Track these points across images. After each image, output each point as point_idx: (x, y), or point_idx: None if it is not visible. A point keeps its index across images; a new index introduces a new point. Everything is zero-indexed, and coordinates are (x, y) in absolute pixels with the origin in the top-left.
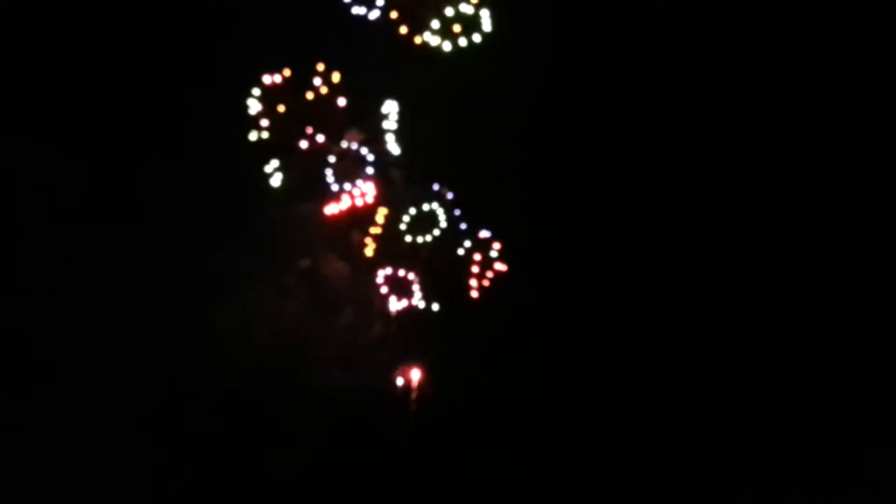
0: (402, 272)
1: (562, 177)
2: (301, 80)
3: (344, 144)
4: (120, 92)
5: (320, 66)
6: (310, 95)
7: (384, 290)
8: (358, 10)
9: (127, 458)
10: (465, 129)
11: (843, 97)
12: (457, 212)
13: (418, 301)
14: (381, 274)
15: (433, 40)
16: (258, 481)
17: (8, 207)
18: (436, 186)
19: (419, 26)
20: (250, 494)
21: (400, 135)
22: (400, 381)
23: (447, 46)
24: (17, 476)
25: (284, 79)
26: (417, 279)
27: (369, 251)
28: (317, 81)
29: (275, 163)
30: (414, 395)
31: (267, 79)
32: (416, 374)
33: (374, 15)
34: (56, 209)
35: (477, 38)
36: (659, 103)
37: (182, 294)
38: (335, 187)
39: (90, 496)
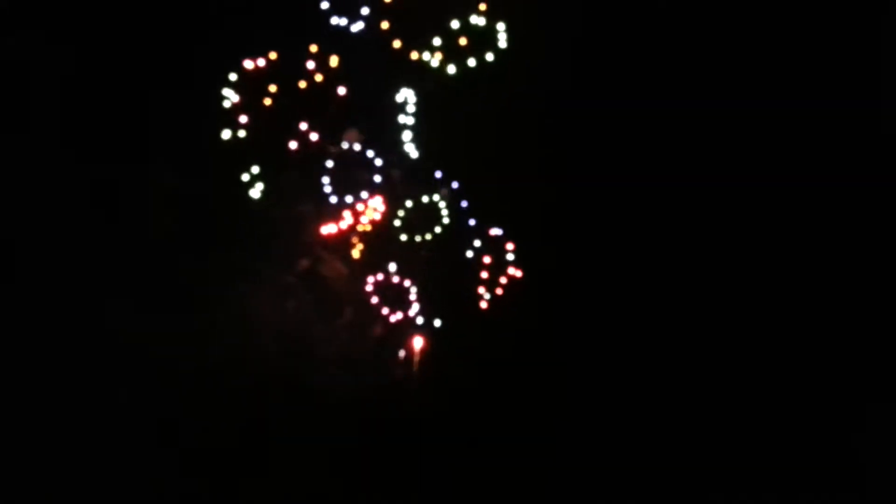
0: (396, 278)
1: (585, 166)
2: (290, 64)
3: (345, 145)
4: (113, 85)
5: (314, 48)
6: (302, 84)
7: (374, 300)
8: (338, 21)
9: (127, 458)
10: (474, 114)
11: (845, 98)
12: (463, 203)
13: (416, 314)
14: (371, 280)
15: (434, 60)
16: (259, 481)
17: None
18: (438, 174)
19: (417, 42)
20: (251, 495)
21: (416, 132)
22: (402, 353)
23: (452, 69)
24: (15, 476)
25: (269, 63)
26: (415, 287)
27: (356, 252)
28: (310, 66)
29: (255, 169)
30: (416, 365)
31: (248, 64)
32: (418, 343)
33: (358, 27)
34: (53, 208)
35: (490, 56)
36: (681, 103)
37: (180, 293)
38: (333, 200)
39: (89, 496)
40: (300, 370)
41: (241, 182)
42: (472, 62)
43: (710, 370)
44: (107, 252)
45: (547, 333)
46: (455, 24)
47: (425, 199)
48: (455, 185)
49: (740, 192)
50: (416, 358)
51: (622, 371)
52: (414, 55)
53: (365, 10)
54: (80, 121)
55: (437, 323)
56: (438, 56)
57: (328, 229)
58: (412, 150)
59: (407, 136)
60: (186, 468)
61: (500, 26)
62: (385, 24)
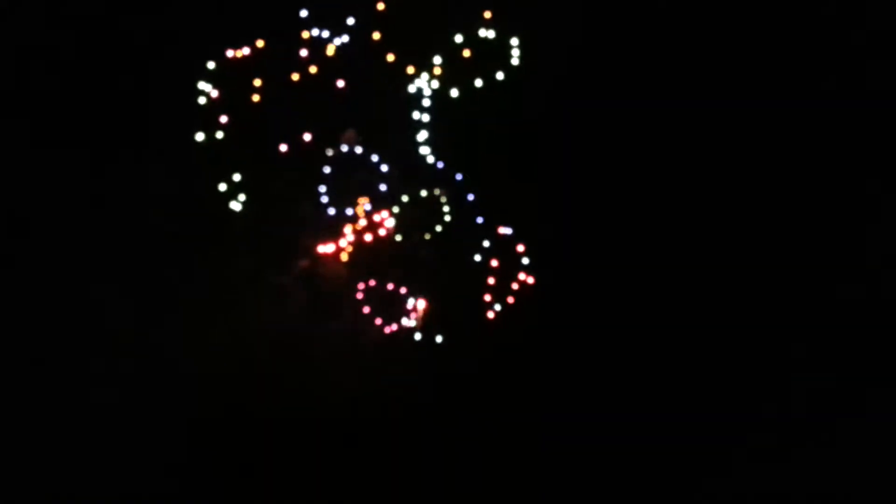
0: (390, 284)
1: (604, 160)
2: (280, 53)
3: (344, 148)
4: (111, 83)
5: (306, 34)
6: (294, 76)
7: (366, 309)
8: (316, 32)
9: (123, 462)
10: (482, 107)
11: (846, 97)
12: (469, 197)
13: (412, 326)
14: (362, 287)
15: (434, 82)
16: (257, 484)
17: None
18: (439, 164)
19: (415, 59)
20: (249, 498)
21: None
22: (405, 321)
23: (455, 92)
24: (13, 476)
25: (255, 52)
26: (411, 294)
27: (345, 255)
28: (303, 54)
29: (236, 177)
30: (419, 327)
31: (231, 53)
32: (421, 305)
33: (340, 40)
34: (51, 209)
35: (500, 75)
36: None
37: (177, 295)
38: (331, 212)
39: (87, 497)
40: (298, 372)
41: (221, 192)
42: (478, 82)
43: (737, 384)
44: (105, 253)
45: (562, 348)
46: (459, 38)
47: (424, 192)
48: (459, 176)
49: (767, 199)
50: (420, 318)
51: (643, 387)
52: (410, 70)
53: (351, 21)
54: (76, 119)
55: (439, 339)
56: (438, 72)
57: (326, 248)
58: (422, 150)
59: (416, 133)
60: (184, 471)
61: (514, 41)
62: (376, 35)
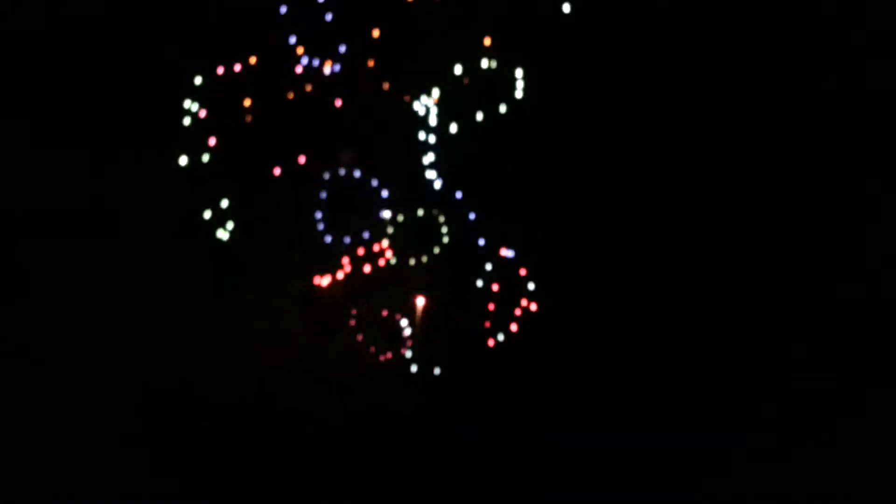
0: (384, 310)
1: (616, 173)
2: (272, 70)
3: (342, 172)
4: (112, 84)
5: (301, 51)
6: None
7: (359, 336)
8: (306, 61)
9: (125, 461)
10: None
11: (846, 97)
12: (471, 216)
13: (407, 354)
14: (353, 314)
15: (433, 114)
16: (256, 485)
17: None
18: (438, 183)
19: (413, 87)
20: (247, 499)
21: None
22: (404, 322)
23: (454, 128)
24: (14, 476)
25: (247, 69)
26: (407, 321)
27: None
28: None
29: (224, 203)
30: (418, 323)
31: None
32: (420, 302)
33: (330, 70)
34: (50, 208)
35: (503, 107)
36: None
37: (176, 295)
38: (327, 240)
39: (87, 497)
40: (297, 376)
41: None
42: (479, 116)
43: (737, 384)
44: (105, 253)
45: (568, 381)
46: (458, 70)
47: (421, 212)
48: (458, 195)
49: (766, 199)
50: (419, 317)
51: (643, 387)
52: (406, 99)
53: (343, 47)
54: (76, 119)
55: (437, 371)
56: (435, 98)
57: (323, 280)
58: (434, 178)
59: (416, 153)
60: (184, 472)
61: (518, 73)
62: (371, 63)
